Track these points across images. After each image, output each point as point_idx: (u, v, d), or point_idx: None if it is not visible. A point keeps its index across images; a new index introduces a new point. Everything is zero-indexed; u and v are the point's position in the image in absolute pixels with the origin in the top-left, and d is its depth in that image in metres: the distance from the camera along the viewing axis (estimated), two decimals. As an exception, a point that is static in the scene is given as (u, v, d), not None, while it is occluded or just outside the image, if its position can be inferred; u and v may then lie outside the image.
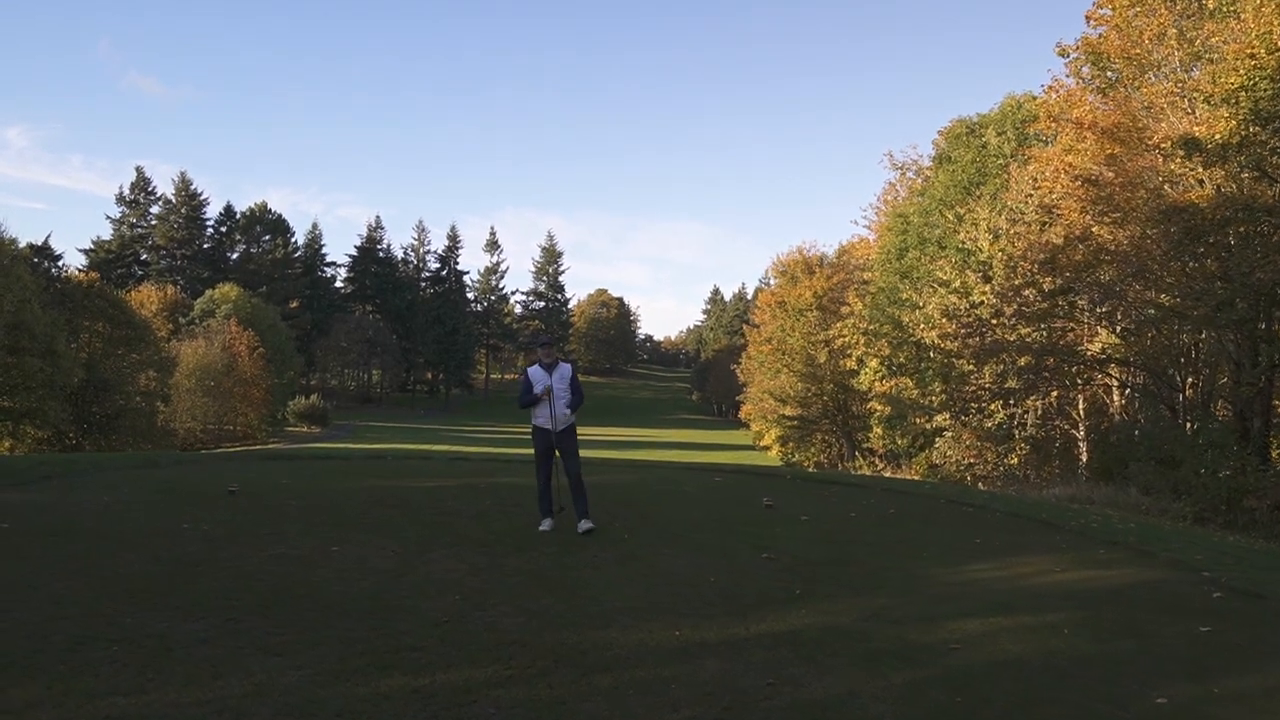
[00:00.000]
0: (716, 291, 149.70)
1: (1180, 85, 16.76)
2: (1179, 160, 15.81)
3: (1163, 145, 16.16)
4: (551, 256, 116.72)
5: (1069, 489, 17.48)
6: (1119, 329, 20.32)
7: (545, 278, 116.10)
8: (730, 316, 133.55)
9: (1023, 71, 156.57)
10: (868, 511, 9.85)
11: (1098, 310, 19.42)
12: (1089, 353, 20.43)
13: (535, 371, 7.99)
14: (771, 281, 65.29)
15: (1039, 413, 25.36)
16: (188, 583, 5.66)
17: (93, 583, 5.54)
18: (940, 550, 7.78)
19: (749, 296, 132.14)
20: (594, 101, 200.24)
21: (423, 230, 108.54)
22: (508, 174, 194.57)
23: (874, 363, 36.51)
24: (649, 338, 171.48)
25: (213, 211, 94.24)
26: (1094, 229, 17.89)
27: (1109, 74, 18.54)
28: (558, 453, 8.03)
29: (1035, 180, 24.38)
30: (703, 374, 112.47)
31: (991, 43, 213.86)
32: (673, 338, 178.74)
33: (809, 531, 8.44)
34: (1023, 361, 21.34)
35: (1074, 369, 20.61)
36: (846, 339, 38.69)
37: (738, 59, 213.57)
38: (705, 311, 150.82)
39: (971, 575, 6.87)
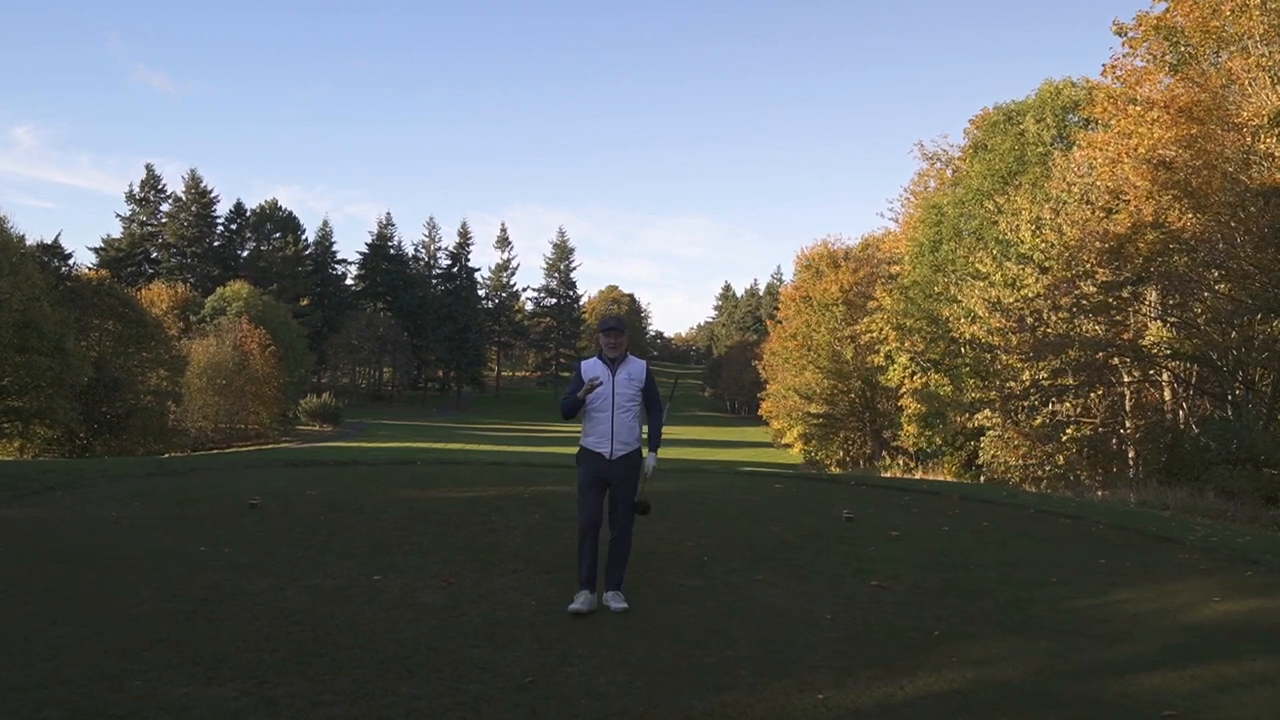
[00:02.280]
0: (728, 288, 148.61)
1: (1262, 59, 15.61)
2: (1273, 139, 14.68)
3: (1251, 122, 15.04)
4: (563, 253, 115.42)
5: (1135, 493, 16.39)
6: (1170, 322, 19.20)
7: (557, 274, 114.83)
8: (743, 313, 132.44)
9: (1029, 65, 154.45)
10: (958, 524, 8.86)
11: (1168, 302, 18.23)
12: (1148, 347, 19.29)
13: (591, 365, 5.45)
14: (787, 276, 64.35)
15: (1079, 410, 24.21)
16: (209, 626, 4.73)
17: (97, 628, 4.62)
18: (1067, 574, 6.78)
19: (761, 293, 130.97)
20: (601, 97, 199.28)
21: (434, 227, 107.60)
22: (513, 170, 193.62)
23: (903, 359, 35.41)
24: (659, 334, 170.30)
25: (223, 209, 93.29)
26: (1166, 216, 16.75)
27: (1182, 48, 17.40)
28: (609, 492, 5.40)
29: (1079, 168, 23.22)
30: (716, 370, 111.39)
31: (1000, 38, 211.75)
32: (683, 334, 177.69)
33: (907, 550, 7.45)
34: (1073, 356, 20.24)
35: (1136, 364, 19.49)
36: (875, 334, 37.55)
37: (745, 54, 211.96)
38: (717, 308, 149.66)
39: (1123, 607, 5.86)
